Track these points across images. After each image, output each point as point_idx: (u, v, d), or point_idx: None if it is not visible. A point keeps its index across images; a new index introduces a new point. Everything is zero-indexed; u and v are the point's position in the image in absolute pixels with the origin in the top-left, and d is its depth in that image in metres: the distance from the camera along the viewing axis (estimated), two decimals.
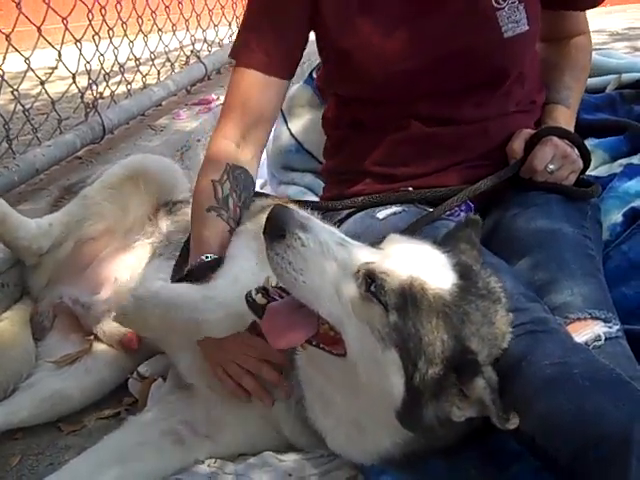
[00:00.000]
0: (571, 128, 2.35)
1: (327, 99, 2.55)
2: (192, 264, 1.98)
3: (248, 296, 1.68)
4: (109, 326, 2.31)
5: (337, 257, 1.63)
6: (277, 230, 1.60)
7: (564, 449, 1.53)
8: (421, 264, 1.66)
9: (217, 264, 1.93)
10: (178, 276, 1.99)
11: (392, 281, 1.61)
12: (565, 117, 2.36)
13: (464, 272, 1.70)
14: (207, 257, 1.97)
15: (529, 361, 1.63)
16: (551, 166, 2.18)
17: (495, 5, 2.17)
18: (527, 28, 2.20)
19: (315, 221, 1.66)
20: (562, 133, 2.24)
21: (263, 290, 1.69)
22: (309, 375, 1.79)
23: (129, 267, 2.38)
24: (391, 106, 2.26)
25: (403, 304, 1.59)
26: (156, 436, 1.92)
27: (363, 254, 1.67)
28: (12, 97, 3.15)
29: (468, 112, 2.26)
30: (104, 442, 1.92)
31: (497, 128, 2.29)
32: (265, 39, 2.22)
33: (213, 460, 1.92)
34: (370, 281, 1.61)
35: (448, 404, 1.62)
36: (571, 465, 1.52)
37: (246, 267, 1.86)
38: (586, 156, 2.26)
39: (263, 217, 1.81)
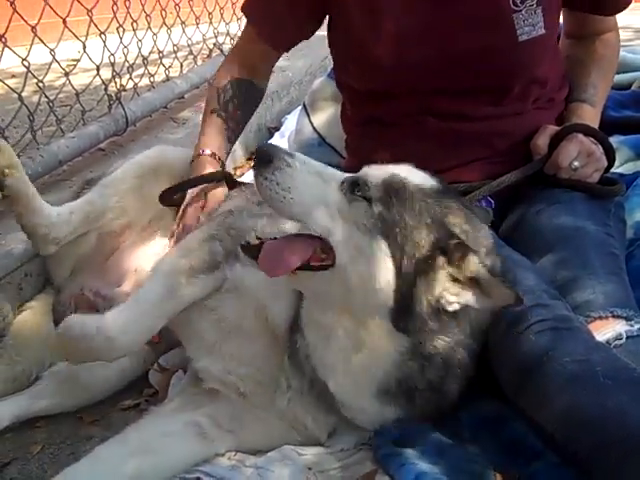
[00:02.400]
0: (596, 126, 2.34)
1: (346, 97, 2.58)
2: (193, 155, 2.46)
3: (243, 242, 1.77)
4: None
5: (322, 173, 1.74)
6: (265, 157, 1.69)
7: (585, 445, 1.52)
8: (401, 169, 1.78)
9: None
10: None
11: (374, 179, 1.73)
12: (590, 115, 2.35)
13: (447, 187, 1.81)
14: (203, 151, 2.44)
15: (551, 357, 1.63)
16: (575, 163, 2.18)
17: (513, 7, 2.16)
18: (543, 32, 2.19)
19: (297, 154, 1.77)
20: (587, 130, 2.24)
21: (257, 238, 1.77)
22: (307, 311, 1.80)
23: (149, 259, 2.36)
24: (405, 101, 2.27)
25: (386, 196, 1.69)
26: (180, 427, 1.92)
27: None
28: (36, 88, 3.17)
29: (484, 110, 2.26)
30: (129, 431, 1.92)
31: (516, 126, 2.29)
32: (274, 10, 2.45)
33: (233, 453, 1.92)
34: (354, 186, 1.71)
35: (439, 286, 1.64)
36: (590, 461, 1.51)
37: (149, 298, 1.92)
38: (611, 154, 2.25)
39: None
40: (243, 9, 2.61)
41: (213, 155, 2.44)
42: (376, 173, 1.76)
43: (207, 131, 2.54)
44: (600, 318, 1.82)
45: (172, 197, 2.37)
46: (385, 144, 2.32)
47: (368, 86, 2.36)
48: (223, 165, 2.47)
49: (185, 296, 1.93)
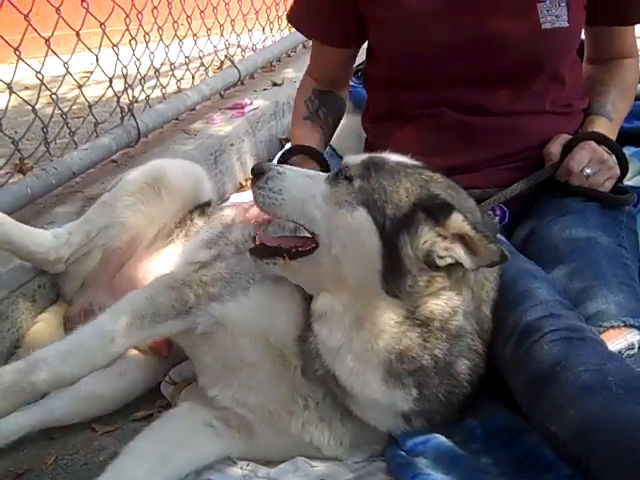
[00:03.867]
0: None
1: (370, 90, 2.64)
2: (285, 150, 2.54)
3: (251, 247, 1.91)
4: None
5: (310, 175, 1.89)
6: (259, 171, 1.86)
7: (597, 455, 1.51)
8: (383, 154, 1.89)
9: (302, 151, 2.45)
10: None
11: (354, 161, 1.84)
12: (606, 128, 2.34)
13: (431, 166, 1.87)
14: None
15: (564, 366, 1.63)
16: (587, 170, 2.18)
17: None
18: (567, 25, 2.21)
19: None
20: (601, 139, 2.25)
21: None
22: (314, 303, 1.83)
23: (156, 274, 2.36)
24: (425, 90, 2.30)
25: (365, 171, 1.79)
26: (199, 425, 1.96)
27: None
28: (50, 100, 3.19)
29: (501, 104, 2.27)
30: (159, 425, 1.97)
31: (531, 126, 2.30)
32: (315, 10, 2.52)
33: (246, 463, 1.93)
34: (337, 174, 1.82)
35: (424, 239, 1.69)
36: (602, 470, 1.51)
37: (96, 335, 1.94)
38: (624, 164, 2.25)
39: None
40: (290, 21, 2.74)
41: (310, 148, 2.47)
42: (356, 157, 1.88)
43: (301, 134, 2.58)
44: (612, 328, 1.83)
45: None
46: (403, 138, 2.34)
47: (390, 74, 2.39)
48: (322, 158, 2.48)
49: (142, 335, 1.95)
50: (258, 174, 1.85)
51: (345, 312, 1.76)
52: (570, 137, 2.27)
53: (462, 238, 1.68)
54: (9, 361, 2.30)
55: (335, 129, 2.72)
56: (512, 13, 2.20)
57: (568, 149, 2.23)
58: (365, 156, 1.87)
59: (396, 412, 1.83)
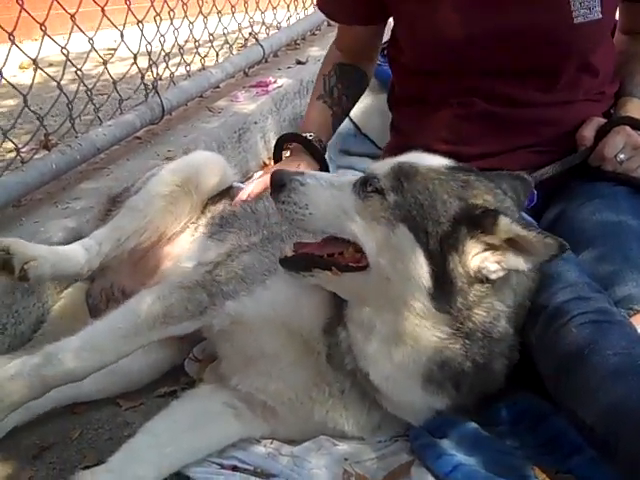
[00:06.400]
0: None
1: (394, 73, 2.60)
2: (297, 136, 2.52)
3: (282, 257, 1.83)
4: None
5: (334, 183, 1.79)
6: (278, 182, 1.78)
7: (626, 436, 1.50)
8: (409, 156, 1.80)
9: (309, 141, 2.46)
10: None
11: (382, 170, 1.74)
12: (639, 109, 2.30)
13: (464, 166, 1.79)
14: (306, 134, 2.48)
15: (592, 350, 1.62)
16: (621, 156, 2.16)
17: None
18: (600, 17, 2.16)
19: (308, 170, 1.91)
20: (635, 124, 2.21)
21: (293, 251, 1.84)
22: (351, 310, 1.79)
23: (174, 257, 2.39)
24: (455, 80, 2.27)
25: (397, 182, 1.70)
26: (219, 406, 1.95)
27: (356, 176, 1.82)
28: (75, 77, 3.19)
29: (533, 96, 2.24)
30: (175, 407, 1.96)
31: (564, 115, 2.26)
32: None
33: (270, 441, 1.93)
34: (365, 184, 1.73)
35: (473, 256, 1.64)
36: (631, 455, 1.49)
37: (107, 333, 1.95)
38: None
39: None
40: (318, 6, 2.73)
41: (315, 139, 2.48)
42: (383, 165, 1.78)
43: (311, 116, 2.63)
44: None
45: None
46: (430, 124, 2.32)
47: (417, 63, 2.35)
48: (323, 147, 2.50)
49: (154, 335, 1.96)
50: (278, 187, 1.77)
51: (386, 328, 1.73)
52: (604, 121, 2.24)
53: (512, 241, 1.62)
54: (34, 336, 2.35)
55: (352, 105, 2.72)
56: (544, 6, 2.15)
57: (602, 133, 2.20)
58: (393, 163, 1.77)
59: (431, 409, 1.83)
